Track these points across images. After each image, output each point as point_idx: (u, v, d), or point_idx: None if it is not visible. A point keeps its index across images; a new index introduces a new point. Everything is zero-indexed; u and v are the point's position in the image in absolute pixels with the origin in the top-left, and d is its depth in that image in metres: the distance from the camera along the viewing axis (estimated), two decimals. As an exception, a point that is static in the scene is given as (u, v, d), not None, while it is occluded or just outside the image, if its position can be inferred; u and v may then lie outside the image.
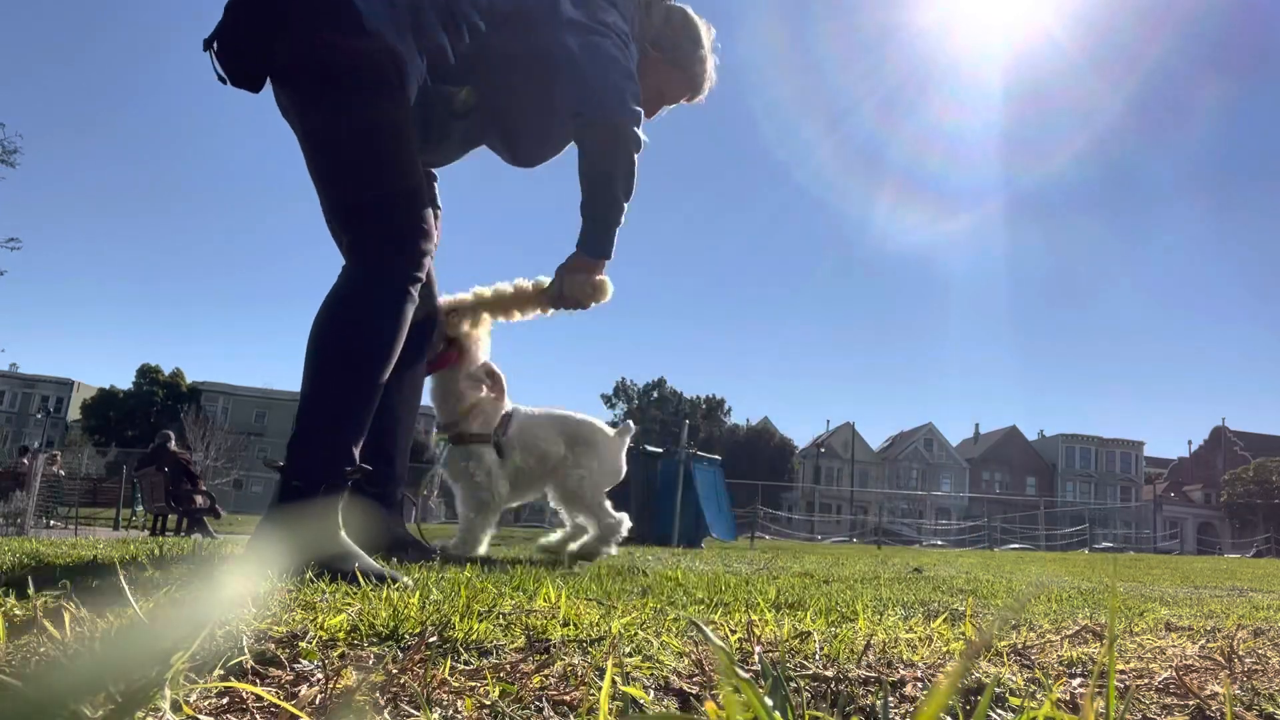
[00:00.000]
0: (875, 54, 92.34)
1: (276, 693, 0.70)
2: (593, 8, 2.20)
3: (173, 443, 10.86)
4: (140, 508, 12.44)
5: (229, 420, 56.23)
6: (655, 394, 64.05)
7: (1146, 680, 0.95)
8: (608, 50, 2.15)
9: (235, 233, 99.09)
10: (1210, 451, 66.05)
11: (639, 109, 2.18)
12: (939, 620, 1.38)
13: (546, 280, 2.50)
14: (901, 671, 0.91)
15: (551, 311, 2.53)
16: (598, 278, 2.30)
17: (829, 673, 0.87)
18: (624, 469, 3.10)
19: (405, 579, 1.62)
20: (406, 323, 1.89)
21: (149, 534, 9.23)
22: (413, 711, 0.68)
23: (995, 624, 1.46)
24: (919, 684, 0.87)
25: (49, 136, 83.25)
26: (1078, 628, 1.40)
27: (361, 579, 1.47)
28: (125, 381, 57.28)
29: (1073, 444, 67.90)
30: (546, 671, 0.83)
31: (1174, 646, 1.26)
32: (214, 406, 59.54)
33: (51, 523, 10.73)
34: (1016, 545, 33.39)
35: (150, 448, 11.14)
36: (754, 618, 1.26)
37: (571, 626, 1.09)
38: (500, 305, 2.73)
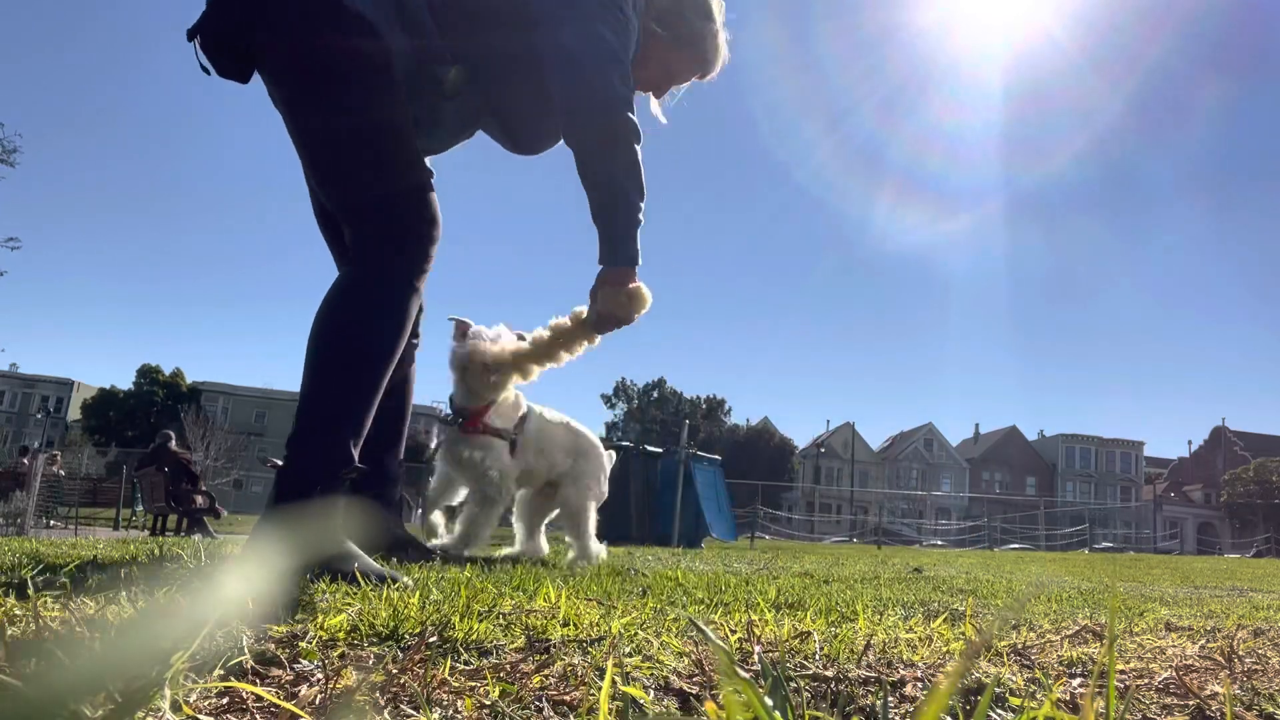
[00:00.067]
0: (875, 54, 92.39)
1: (276, 693, 0.70)
2: None
3: (173, 443, 10.87)
4: (140, 508, 12.45)
5: (229, 420, 56.19)
6: (655, 394, 63.97)
7: (1146, 680, 0.95)
8: (595, 29, 1.97)
9: (235, 232, 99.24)
10: (1210, 451, 66.06)
11: (627, 91, 2.01)
12: (939, 620, 1.38)
13: (583, 309, 2.33)
14: (901, 671, 0.91)
15: (599, 339, 2.39)
16: (631, 286, 2.11)
17: (829, 673, 0.87)
18: (606, 493, 3.13)
19: (405, 579, 1.62)
20: (409, 322, 1.87)
21: (149, 534, 9.24)
22: (413, 711, 0.68)
23: (995, 624, 1.46)
24: (919, 684, 0.87)
25: (48, 136, 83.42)
26: (1078, 628, 1.40)
27: (361, 579, 1.47)
28: (125, 381, 57.40)
29: (1073, 444, 67.89)
30: (546, 671, 0.83)
31: (1174, 646, 1.26)
32: (214, 406, 59.51)
33: (51, 523, 10.74)
34: (1016, 545, 33.40)
35: (150, 448, 11.16)
36: (754, 618, 1.26)
37: (571, 626, 1.09)
38: (544, 354, 2.54)
